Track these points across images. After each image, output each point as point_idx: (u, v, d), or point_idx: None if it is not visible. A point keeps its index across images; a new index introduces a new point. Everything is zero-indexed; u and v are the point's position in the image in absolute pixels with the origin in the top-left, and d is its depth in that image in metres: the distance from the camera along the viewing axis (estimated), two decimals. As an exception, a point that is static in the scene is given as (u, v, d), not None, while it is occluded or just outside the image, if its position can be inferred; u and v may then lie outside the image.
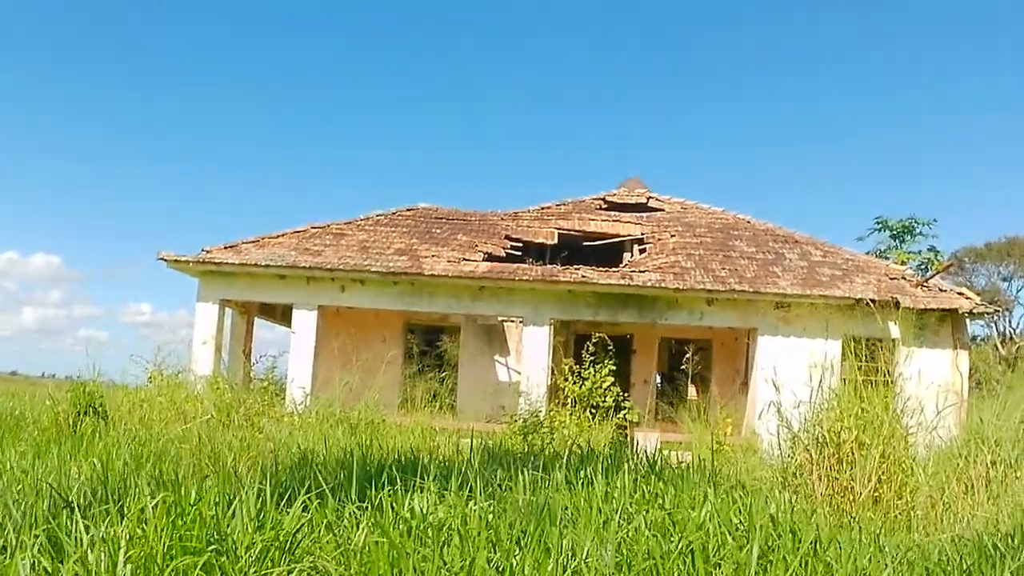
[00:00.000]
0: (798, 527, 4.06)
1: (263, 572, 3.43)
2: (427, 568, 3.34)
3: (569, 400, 15.46)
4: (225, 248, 18.51)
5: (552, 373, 16.78)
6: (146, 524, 3.59)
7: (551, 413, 15.00)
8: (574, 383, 15.52)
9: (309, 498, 4.13)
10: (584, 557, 3.47)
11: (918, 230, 30.14)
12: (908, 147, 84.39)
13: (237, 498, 3.91)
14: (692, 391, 20.95)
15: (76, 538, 3.46)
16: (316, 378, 16.80)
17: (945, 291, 17.48)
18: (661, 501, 4.59)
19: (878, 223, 30.83)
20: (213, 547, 3.42)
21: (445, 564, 3.36)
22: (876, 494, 6.18)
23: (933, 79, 78.32)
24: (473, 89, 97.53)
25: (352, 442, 8.90)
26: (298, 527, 3.89)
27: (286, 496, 4.17)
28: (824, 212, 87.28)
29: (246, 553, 3.53)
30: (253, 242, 18.88)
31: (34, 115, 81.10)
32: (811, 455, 6.49)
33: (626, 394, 16.23)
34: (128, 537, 3.51)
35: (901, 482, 6.24)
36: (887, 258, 27.10)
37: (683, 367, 21.98)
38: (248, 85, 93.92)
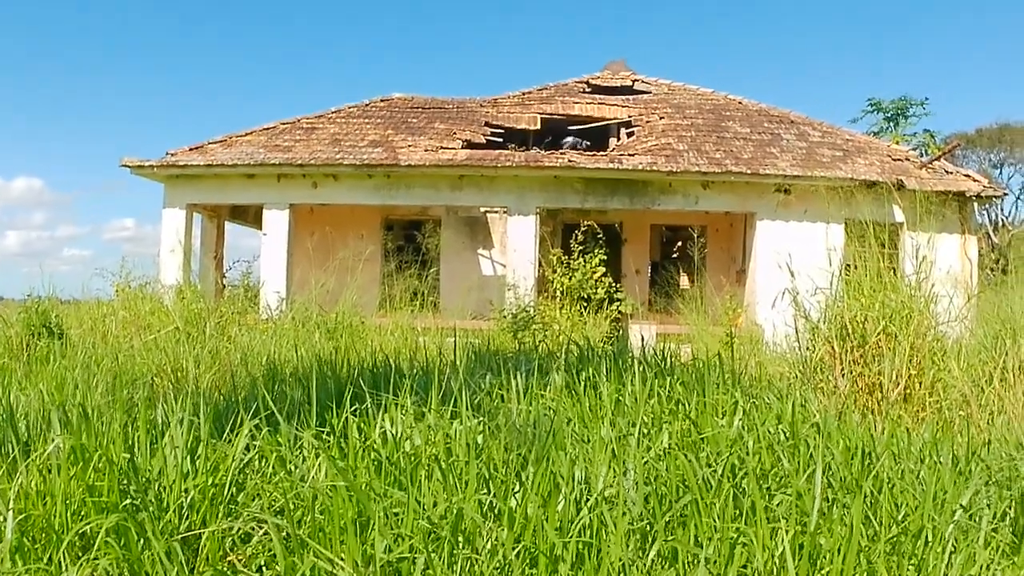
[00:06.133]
0: (852, 439, 3.35)
1: (194, 529, 2.70)
2: (403, 514, 2.61)
3: (558, 293, 14.75)
4: (190, 150, 17.44)
5: (540, 265, 16.03)
6: (50, 475, 2.86)
7: (540, 307, 14.32)
8: (563, 275, 14.79)
9: (257, 426, 3.37)
10: (602, 489, 2.73)
11: (911, 111, 29.19)
12: (897, 30, 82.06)
13: (166, 433, 3.14)
14: (684, 280, 20.32)
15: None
16: (291, 281, 15.99)
17: (951, 173, 16.70)
18: (684, 409, 3.84)
19: (871, 105, 29.85)
20: (128, 501, 2.68)
21: (423, 509, 2.63)
22: (907, 391, 5.50)
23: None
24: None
25: (326, 348, 8.19)
26: (243, 464, 3.15)
27: (232, 421, 3.42)
28: (815, 95, 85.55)
29: (175, 504, 2.80)
30: (220, 142, 17.79)
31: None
32: (834, 349, 5.76)
33: (618, 285, 15.56)
34: (25, 495, 2.77)
35: (934, 377, 5.55)
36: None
37: (675, 255, 21.34)
38: None
